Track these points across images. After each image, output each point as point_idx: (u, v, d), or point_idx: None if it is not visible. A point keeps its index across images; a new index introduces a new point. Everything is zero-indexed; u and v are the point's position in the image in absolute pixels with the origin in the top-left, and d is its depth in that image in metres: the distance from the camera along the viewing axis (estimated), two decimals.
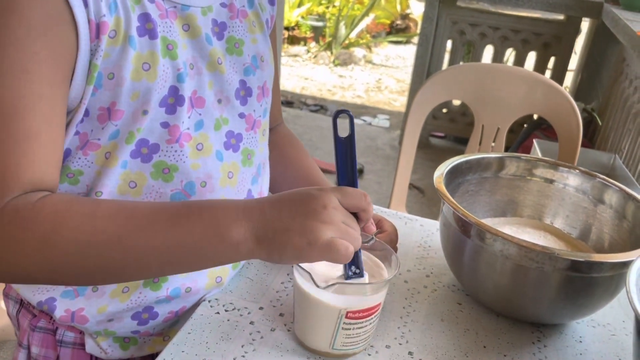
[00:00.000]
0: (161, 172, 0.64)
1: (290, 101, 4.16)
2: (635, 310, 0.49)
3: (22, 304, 0.74)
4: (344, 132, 0.55)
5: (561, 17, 3.00)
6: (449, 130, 3.39)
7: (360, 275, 0.58)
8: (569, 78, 3.28)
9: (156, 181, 0.64)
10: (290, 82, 4.75)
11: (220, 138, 0.68)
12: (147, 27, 0.59)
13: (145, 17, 0.59)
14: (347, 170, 0.56)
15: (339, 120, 0.55)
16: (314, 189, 0.54)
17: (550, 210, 0.81)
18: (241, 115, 0.71)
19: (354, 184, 0.56)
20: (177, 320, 0.72)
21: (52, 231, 0.51)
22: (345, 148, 0.55)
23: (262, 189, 0.78)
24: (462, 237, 0.67)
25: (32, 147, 0.53)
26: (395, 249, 0.74)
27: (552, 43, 3.01)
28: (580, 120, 1.47)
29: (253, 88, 0.71)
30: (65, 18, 0.53)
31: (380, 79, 5.09)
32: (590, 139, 2.84)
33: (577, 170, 0.79)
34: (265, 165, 0.79)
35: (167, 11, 0.62)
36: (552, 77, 3.08)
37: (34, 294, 0.68)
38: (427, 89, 1.54)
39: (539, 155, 1.94)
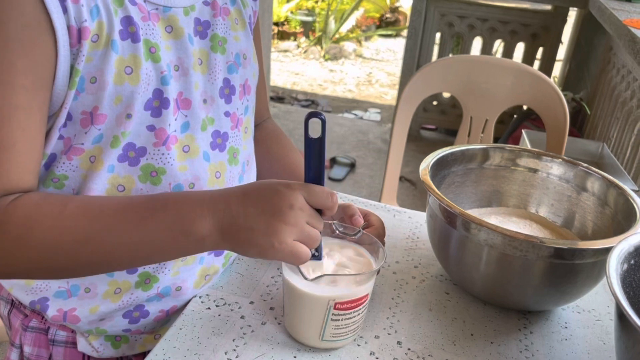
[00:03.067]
0: (149, 175, 0.64)
1: (281, 97, 4.16)
2: (614, 294, 0.50)
3: (13, 304, 0.74)
4: (315, 133, 0.55)
5: (549, 7, 3.01)
6: (440, 122, 3.41)
7: (319, 258, 0.59)
8: (558, 68, 3.30)
9: (144, 184, 0.64)
10: (280, 77, 4.75)
11: (207, 138, 0.68)
12: (130, 31, 0.59)
13: (127, 20, 0.59)
14: (315, 169, 0.56)
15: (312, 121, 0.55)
16: (282, 184, 0.55)
17: (535, 199, 0.83)
18: (226, 114, 0.71)
19: (320, 183, 0.57)
20: (169, 320, 0.73)
21: (24, 233, 0.54)
22: (314, 149, 0.56)
23: None
24: (448, 228, 0.68)
25: (7, 156, 0.54)
26: (383, 242, 0.75)
27: (540, 34, 3.03)
28: (567, 110, 1.48)
29: (236, 86, 0.71)
30: (43, 26, 0.54)
31: (370, 72, 5.10)
32: (580, 128, 2.86)
33: (560, 159, 0.80)
34: (250, 163, 0.79)
35: (149, 13, 0.62)
36: (541, 67, 3.10)
37: (27, 294, 0.68)
38: (416, 82, 1.55)
39: (528, 145, 1.95)
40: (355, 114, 3.95)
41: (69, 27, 0.55)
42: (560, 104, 1.48)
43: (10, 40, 0.53)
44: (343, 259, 0.63)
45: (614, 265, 0.53)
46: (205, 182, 0.68)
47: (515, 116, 2.83)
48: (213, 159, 0.69)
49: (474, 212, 0.83)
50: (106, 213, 0.55)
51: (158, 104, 0.62)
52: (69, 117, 0.59)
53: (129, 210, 0.56)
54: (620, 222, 0.70)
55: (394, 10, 6.12)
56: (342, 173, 2.93)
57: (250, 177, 0.79)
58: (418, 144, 3.38)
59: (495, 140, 3.13)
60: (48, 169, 0.62)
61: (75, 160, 0.62)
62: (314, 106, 4.04)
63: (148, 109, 0.61)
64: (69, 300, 0.68)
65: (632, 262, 0.57)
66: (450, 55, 3.34)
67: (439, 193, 0.68)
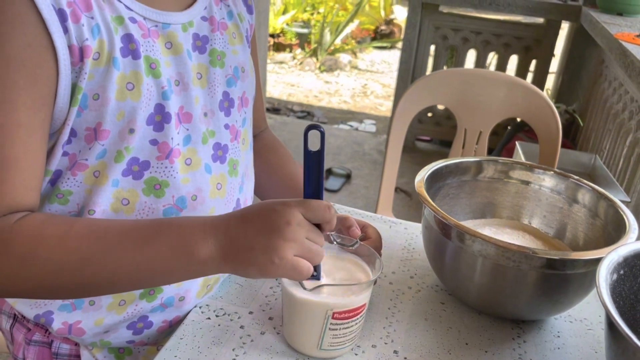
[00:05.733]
0: (153, 188, 0.65)
1: (276, 108, 4.19)
2: (604, 304, 0.52)
3: (16, 318, 0.74)
4: (314, 146, 0.56)
5: (541, 20, 3.05)
6: (435, 134, 3.44)
7: (317, 278, 0.60)
8: (551, 80, 3.34)
9: (148, 197, 0.65)
10: (276, 89, 4.77)
11: (208, 151, 0.70)
12: (130, 48, 0.61)
13: (128, 38, 0.61)
14: (314, 183, 0.57)
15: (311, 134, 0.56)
16: (278, 203, 0.56)
17: (528, 210, 0.85)
18: (226, 127, 0.72)
19: (319, 196, 0.58)
20: (172, 331, 0.73)
21: (29, 252, 0.55)
22: (313, 162, 0.56)
23: (246, 197, 0.80)
24: (443, 239, 0.70)
25: (10, 174, 0.56)
26: (380, 254, 0.76)
27: (532, 46, 3.07)
28: (559, 123, 1.50)
29: (235, 99, 0.73)
30: (44, 45, 0.55)
31: (366, 84, 5.13)
32: (573, 139, 2.89)
33: (552, 172, 0.82)
34: (248, 174, 0.80)
35: (150, 30, 0.63)
36: (534, 79, 3.13)
37: (31, 308, 0.69)
38: (410, 95, 1.57)
39: (522, 156, 1.98)
40: (351, 125, 3.97)
41: (70, 47, 0.56)
42: (553, 117, 1.51)
43: (12, 59, 0.54)
44: (341, 269, 0.64)
45: (604, 276, 0.55)
46: (207, 193, 0.69)
47: (509, 128, 2.86)
48: (214, 171, 0.70)
49: (468, 224, 0.85)
50: (110, 234, 0.57)
51: (160, 118, 0.63)
52: (74, 133, 0.61)
53: (132, 232, 0.57)
54: (610, 233, 0.72)
55: (389, 22, 6.17)
56: (337, 184, 2.95)
57: (249, 187, 0.81)
58: (413, 155, 3.40)
59: (490, 151, 3.15)
60: (53, 185, 0.64)
61: (80, 176, 0.63)
62: (309, 117, 4.07)
63: (150, 124, 0.63)
64: (74, 313, 0.68)
65: (622, 272, 0.59)
66: (445, 67, 3.37)
67: (434, 205, 0.69)
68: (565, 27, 3.22)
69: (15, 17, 0.54)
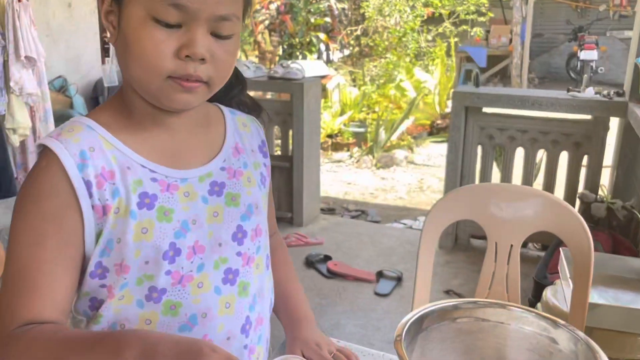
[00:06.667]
0: (169, 309, 0.78)
1: (331, 208, 4.29)
2: None
3: None
4: None
5: (589, 116, 3.04)
6: None
7: None
8: (606, 175, 3.25)
9: (166, 317, 0.78)
10: (333, 187, 4.91)
11: (219, 275, 0.82)
12: (146, 202, 0.77)
13: (144, 195, 0.77)
14: None
15: None
16: (208, 345, 0.63)
17: (520, 353, 0.84)
18: (238, 254, 0.84)
19: None
20: None
21: (21, 354, 0.69)
22: None
23: (260, 315, 0.89)
24: None
25: (32, 296, 0.72)
26: None
27: (583, 142, 3.03)
28: (590, 238, 1.47)
29: (248, 231, 0.85)
30: (72, 205, 0.73)
31: (422, 178, 5.18)
32: (634, 237, 2.76)
33: (533, 312, 0.83)
34: (263, 294, 0.90)
35: (169, 185, 0.79)
36: (588, 175, 3.07)
37: None
38: (439, 210, 1.60)
39: (565, 265, 1.92)
40: (404, 223, 3.99)
41: (94, 206, 0.74)
42: (584, 232, 1.48)
43: (45, 214, 0.73)
44: None
45: None
46: (216, 312, 0.81)
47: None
48: (224, 292, 0.82)
49: None
50: (68, 343, 0.68)
51: (173, 253, 0.77)
52: (107, 269, 0.77)
53: (81, 341, 0.68)
54: None
55: (445, 116, 6.29)
56: (388, 288, 2.93)
57: (263, 306, 0.90)
58: (468, 255, 3.34)
59: (525, 259, 3.05)
60: (96, 310, 0.78)
61: (110, 302, 0.77)
62: (363, 216, 4.13)
63: (165, 259, 0.77)
64: None
65: None
66: (494, 164, 3.38)
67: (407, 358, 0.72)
68: (616, 120, 3.18)
69: (52, 184, 0.73)
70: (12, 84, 2.59)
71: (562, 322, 0.80)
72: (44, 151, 0.74)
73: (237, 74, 0.93)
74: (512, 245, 1.57)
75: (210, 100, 0.88)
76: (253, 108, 0.96)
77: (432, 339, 0.85)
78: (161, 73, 0.72)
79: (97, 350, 0.66)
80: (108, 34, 0.77)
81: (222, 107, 0.92)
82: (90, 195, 0.73)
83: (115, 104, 0.81)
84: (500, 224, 1.56)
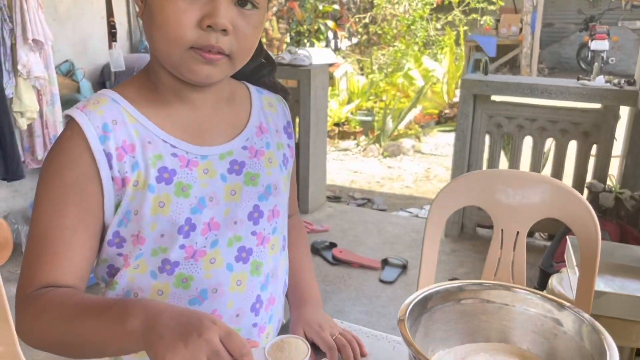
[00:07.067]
0: (181, 282, 0.80)
1: (337, 196, 4.28)
2: None
3: None
4: None
5: (598, 105, 3.00)
6: None
7: None
8: (614, 164, 3.22)
9: (177, 289, 0.80)
10: (339, 176, 4.90)
11: (232, 253, 0.83)
12: (165, 176, 0.78)
13: (164, 169, 0.78)
14: None
15: None
16: (209, 317, 0.63)
17: (525, 335, 0.84)
18: (253, 233, 0.85)
19: None
20: None
21: (37, 316, 0.72)
22: None
23: (272, 295, 0.89)
24: None
25: (52, 261, 0.74)
26: None
27: (592, 131, 3.01)
28: (598, 226, 1.46)
29: (265, 211, 0.86)
30: (93, 176, 0.75)
31: (429, 168, 5.16)
32: None
33: (538, 294, 0.82)
34: (277, 274, 0.90)
35: (189, 161, 0.80)
36: (596, 164, 3.04)
37: None
38: (445, 195, 1.59)
39: (572, 254, 1.91)
40: (410, 212, 3.98)
41: (114, 178, 0.76)
42: (591, 220, 1.47)
43: (67, 184, 0.75)
44: None
45: None
46: (227, 288, 0.82)
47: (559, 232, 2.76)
48: (236, 270, 0.83)
49: (465, 349, 0.85)
50: (79, 307, 0.70)
51: (188, 228, 0.79)
52: (124, 240, 0.79)
53: (92, 306, 0.70)
54: None
55: (453, 105, 6.25)
56: (393, 275, 2.93)
57: (276, 287, 0.90)
58: (474, 244, 3.33)
59: (539, 249, 3.04)
60: (112, 277, 0.82)
61: (125, 270, 0.80)
62: (369, 205, 4.12)
63: (180, 233, 0.78)
64: None
65: None
66: (502, 153, 3.35)
67: (411, 340, 0.71)
68: (626, 109, 3.14)
69: (75, 156, 0.75)
70: (19, 67, 2.59)
71: (568, 304, 0.80)
72: (70, 121, 0.76)
73: (267, 55, 0.94)
74: (518, 232, 1.56)
75: (239, 79, 0.90)
76: (281, 91, 0.97)
77: (436, 320, 0.85)
78: (183, 43, 0.73)
79: (105, 316, 0.68)
80: (137, 8, 0.79)
81: (250, 85, 0.93)
82: (111, 167, 0.75)
83: (141, 79, 0.82)
84: (507, 210, 1.55)
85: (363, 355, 0.90)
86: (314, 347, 0.90)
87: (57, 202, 0.75)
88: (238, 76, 0.90)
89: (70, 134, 0.76)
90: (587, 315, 0.76)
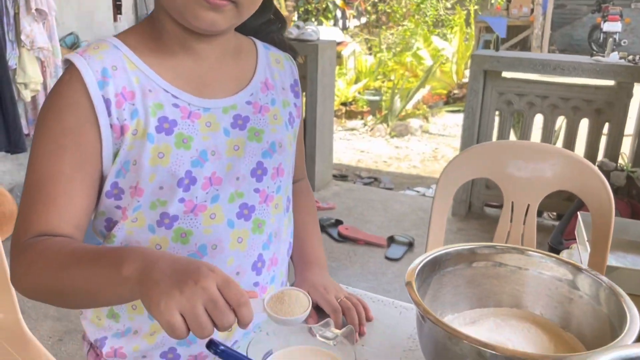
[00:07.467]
0: (180, 237, 0.78)
1: (344, 174, 4.24)
2: None
3: (92, 346, 0.88)
4: None
5: (612, 82, 2.94)
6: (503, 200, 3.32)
7: None
8: (626, 143, 3.16)
9: (176, 244, 0.78)
10: (346, 155, 4.86)
11: (233, 209, 0.80)
12: (165, 126, 0.75)
13: (164, 119, 0.76)
14: None
15: None
16: (206, 265, 0.60)
17: (538, 299, 0.80)
18: (256, 190, 0.83)
19: None
20: None
21: (31, 263, 0.70)
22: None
23: (275, 255, 0.87)
24: (433, 336, 0.68)
25: (49, 208, 0.72)
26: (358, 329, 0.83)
27: (604, 109, 2.94)
28: (611, 195, 1.42)
29: (269, 168, 0.84)
30: (91, 122, 0.73)
31: (436, 148, 5.11)
32: None
33: (553, 257, 0.78)
34: (280, 235, 0.88)
35: (191, 113, 0.77)
36: (608, 143, 2.99)
37: (94, 332, 0.84)
38: (455, 167, 1.56)
39: (583, 230, 1.87)
40: (417, 191, 3.94)
41: (112, 125, 0.73)
42: (604, 189, 1.43)
43: (65, 129, 0.73)
44: None
45: None
46: (227, 245, 0.80)
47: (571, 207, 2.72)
48: (237, 226, 0.81)
49: (475, 313, 0.82)
50: (74, 255, 0.68)
51: (188, 182, 0.76)
52: (122, 191, 0.76)
53: (87, 253, 0.68)
54: (614, 327, 0.67)
55: (462, 86, 6.17)
56: (399, 252, 2.90)
57: (280, 248, 0.88)
58: (482, 223, 3.30)
59: (548, 229, 3.00)
60: (110, 230, 0.80)
61: (123, 223, 0.77)
62: (376, 183, 4.08)
63: (180, 186, 0.76)
64: (120, 339, 0.82)
65: None
66: (512, 132, 3.30)
67: (419, 298, 0.68)
68: (638, 88, 3.08)
69: (73, 100, 0.72)
70: (22, 37, 2.55)
71: (585, 267, 0.76)
72: (69, 66, 0.74)
73: (277, 11, 0.92)
74: (529, 206, 1.53)
75: (246, 34, 0.88)
76: (289, 49, 0.94)
77: (445, 284, 0.82)
78: None
79: (100, 263, 0.66)
80: None
81: (257, 40, 0.90)
82: (109, 114, 0.73)
83: (145, 27, 0.80)
84: (518, 182, 1.51)
85: (369, 319, 0.87)
86: (319, 310, 0.88)
87: (55, 148, 0.73)
88: (246, 31, 0.88)
89: (69, 79, 0.73)
90: (605, 278, 0.73)
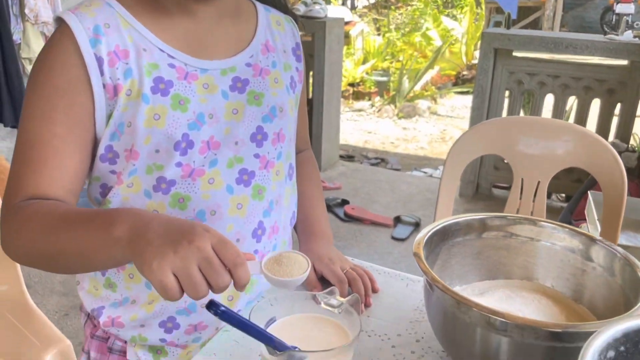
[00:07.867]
0: (177, 202, 0.76)
1: (351, 155, 4.22)
2: None
3: (89, 316, 0.87)
4: None
5: (625, 62, 2.88)
6: (512, 181, 3.29)
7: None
8: (639, 124, 3.11)
9: (173, 209, 0.76)
10: (353, 136, 4.82)
11: (233, 174, 0.78)
12: (160, 87, 0.73)
13: (159, 79, 0.73)
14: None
15: None
16: (201, 226, 0.58)
17: (550, 271, 0.78)
18: (256, 156, 0.80)
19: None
20: (199, 336, 0.82)
21: (21, 227, 0.68)
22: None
23: (276, 223, 0.85)
24: (442, 305, 0.66)
25: (40, 170, 0.70)
26: (363, 300, 0.82)
27: (617, 89, 2.89)
28: (624, 172, 1.39)
29: (269, 133, 0.81)
30: (83, 81, 0.70)
31: (445, 129, 5.06)
32: None
33: (567, 228, 0.76)
34: (282, 202, 0.86)
35: (188, 74, 0.74)
36: (620, 124, 2.94)
37: (91, 302, 0.83)
38: (464, 142, 1.53)
39: (593, 207, 1.84)
40: (425, 172, 3.91)
41: (105, 85, 0.71)
42: (617, 165, 1.39)
43: (56, 88, 0.70)
44: (317, 331, 0.63)
45: (592, 355, 0.49)
46: (226, 210, 0.78)
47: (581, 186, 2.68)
48: (236, 192, 0.79)
49: (485, 285, 0.80)
50: (66, 218, 0.66)
51: (185, 145, 0.74)
52: (117, 155, 0.74)
53: (78, 215, 0.66)
54: (629, 297, 0.65)
55: (471, 67, 6.10)
56: (405, 232, 2.88)
57: (281, 215, 0.86)
58: (489, 204, 3.27)
59: (556, 211, 2.96)
60: (105, 197, 0.77)
61: (118, 188, 0.75)
62: (383, 164, 4.05)
63: (177, 150, 0.73)
64: (118, 309, 0.81)
65: (623, 348, 0.52)
66: (522, 112, 3.25)
67: (428, 267, 0.66)
68: None
69: (65, 59, 0.70)
70: (27, 11, 2.52)
71: (599, 238, 0.73)
72: (60, 25, 0.71)
73: None
74: (539, 182, 1.50)
75: None
76: (291, 14, 0.92)
77: (454, 254, 0.79)
78: None
79: (91, 224, 0.63)
80: None
81: (257, 2, 0.88)
82: (102, 73, 0.70)
83: None
84: (528, 158, 1.48)
85: (375, 290, 0.86)
86: (324, 281, 0.86)
87: (46, 108, 0.70)
88: None
89: (60, 37, 0.70)
90: (620, 249, 0.70)
